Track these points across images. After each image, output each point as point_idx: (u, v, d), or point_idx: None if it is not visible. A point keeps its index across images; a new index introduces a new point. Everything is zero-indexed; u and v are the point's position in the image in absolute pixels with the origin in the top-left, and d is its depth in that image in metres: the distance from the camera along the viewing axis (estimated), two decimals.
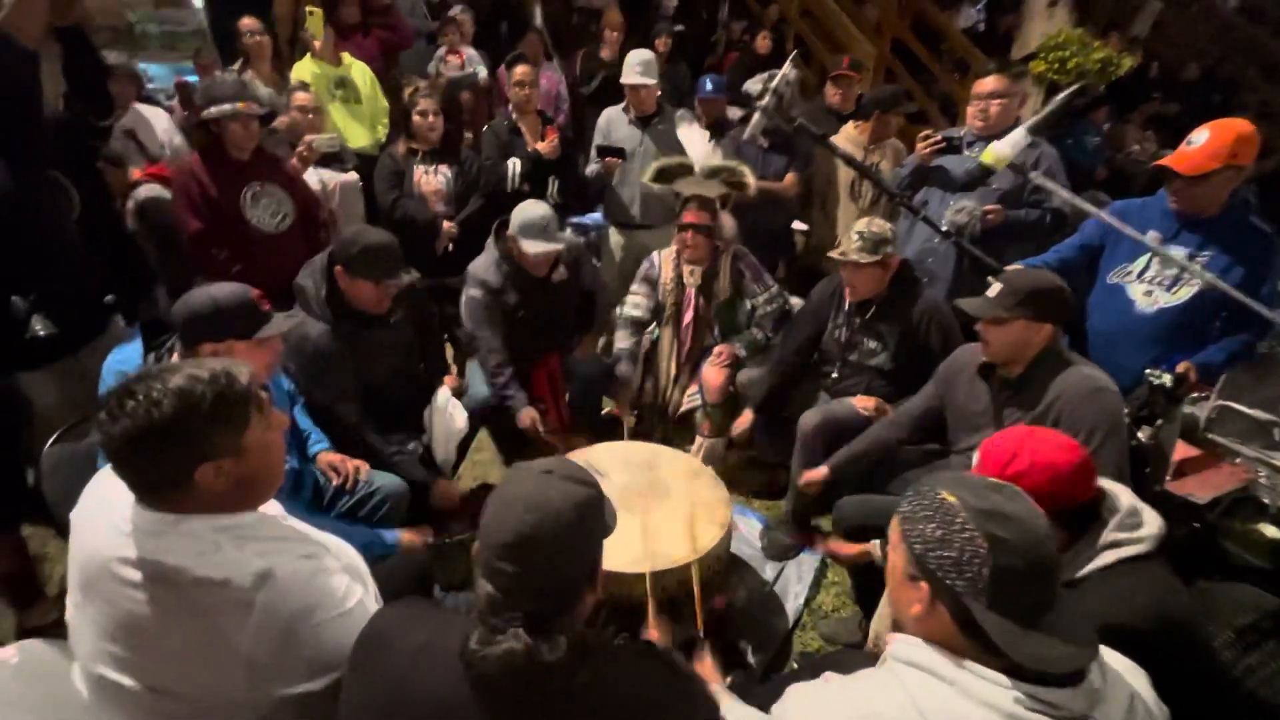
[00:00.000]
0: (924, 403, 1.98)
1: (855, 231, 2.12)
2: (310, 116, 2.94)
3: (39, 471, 1.59)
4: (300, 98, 2.96)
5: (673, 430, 2.74)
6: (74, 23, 1.82)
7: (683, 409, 2.66)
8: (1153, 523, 1.14)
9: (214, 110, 2.30)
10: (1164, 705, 0.89)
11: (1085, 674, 0.81)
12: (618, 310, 2.83)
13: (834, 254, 2.16)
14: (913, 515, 0.89)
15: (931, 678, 0.81)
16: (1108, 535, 1.12)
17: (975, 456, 1.22)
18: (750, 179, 2.52)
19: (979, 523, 0.82)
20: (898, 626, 0.94)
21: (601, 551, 0.95)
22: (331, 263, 1.94)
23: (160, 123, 2.67)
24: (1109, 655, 0.89)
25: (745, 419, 2.45)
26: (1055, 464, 1.12)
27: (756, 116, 2.22)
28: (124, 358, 1.54)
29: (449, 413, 2.21)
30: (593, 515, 0.91)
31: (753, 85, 3.40)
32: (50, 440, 1.61)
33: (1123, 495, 1.17)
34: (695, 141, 3.08)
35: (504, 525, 0.86)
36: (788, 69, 2.21)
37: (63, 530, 1.04)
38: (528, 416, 2.38)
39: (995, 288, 1.69)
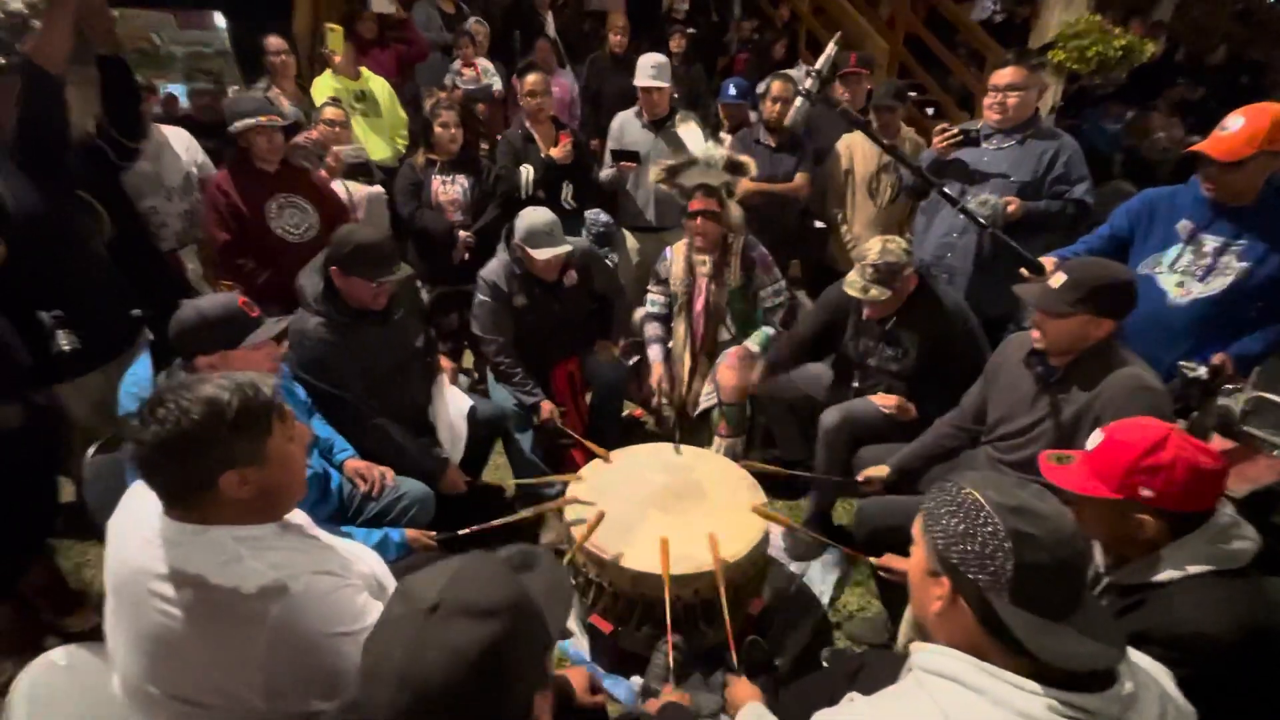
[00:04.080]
0: (976, 399, 1.92)
1: (869, 264, 2.04)
2: (338, 130, 3.01)
3: (79, 482, 1.64)
4: (329, 112, 3.04)
5: (691, 429, 2.74)
6: (113, 51, 1.88)
7: (700, 408, 2.67)
8: (1251, 538, 1.10)
9: (239, 125, 2.40)
10: (1190, 704, 0.87)
11: (1117, 677, 0.79)
12: (638, 312, 2.84)
13: (851, 291, 2.09)
14: (935, 510, 0.88)
15: (962, 688, 0.79)
16: (1202, 546, 1.08)
17: (1097, 437, 1.16)
18: (749, 162, 2.53)
19: (1004, 517, 0.81)
20: (921, 629, 0.92)
21: (538, 682, 0.75)
22: (327, 262, 1.98)
23: (180, 141, 2.74)
24: (1137, 656, 0.87)
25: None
26: (1199, 465, 1.06)
27: (799, 101, 2.20)
28: (137, 379, 1.59)
29: (449, 399, 2.23)
30: (504, 660, 0.69)
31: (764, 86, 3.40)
32: (92, 450, 1.66)
33: (1226, 507, 1.12)
34: (695, 140, 3.10)
35: (373, 702, 0.68)
36: (831, 50, 2.18)
37: (103, 538, 1.08)
38: (546, 408, 2.40)
39: (1058, 278, 1.59)
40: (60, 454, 1.91)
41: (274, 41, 3.52)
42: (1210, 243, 1.93)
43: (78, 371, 1.90)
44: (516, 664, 0.71)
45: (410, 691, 0.66)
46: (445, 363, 2.36)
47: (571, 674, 1.31)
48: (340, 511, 1.84)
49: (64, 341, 1.75)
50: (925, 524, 0.90)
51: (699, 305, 2.62)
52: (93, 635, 1.88)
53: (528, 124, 3.22)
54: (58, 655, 1.13)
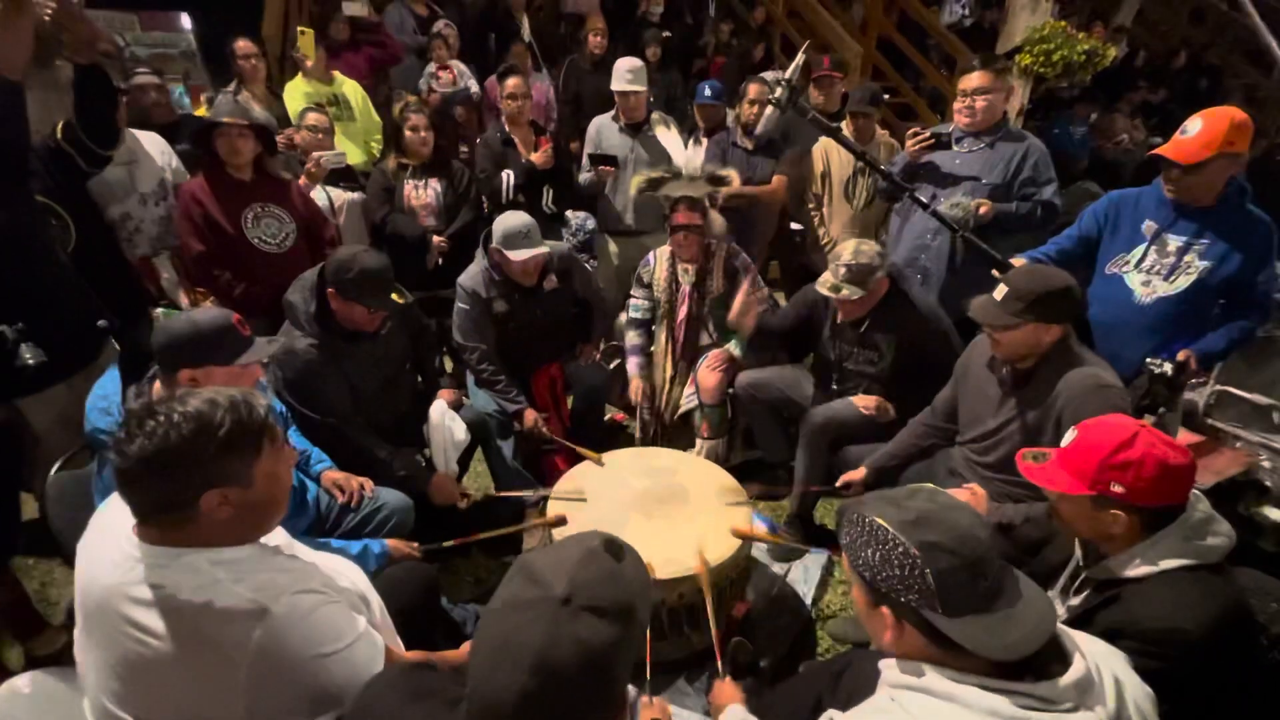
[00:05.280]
0: (947, 400, 1.96)
1: (842, 264, 2.07)
2: (321, 136, 2.97)
3: (43, 499, 1.58)
4: (312, 118, 2.99)
5: (672, 431, 2.74)
6: (91, 59, 1.83)
7: (680, 410, 2.67)
8: (1225, 533, 1.12)
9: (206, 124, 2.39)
10: (1148, 687, 0.90)
11: (1070, 662, 0.82)
12: (621, 317, 2.84)
13: (823, 289, 2.12)
14: (853, 545, 0.91)
15: (933, 699, 0.82)
16: (1176, 542, 1.10)
17: (1071, 434, 1.19)
18: (733, 175, 2.55)
19: (907, 534, 0.85)
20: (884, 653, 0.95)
21: (631, 670, 0.80)
22: (322, 282, 1.95)
23: (155, 145, 2.68)
24: (1089, 642, 0.90)
25: None
26: (1168, 461, 1.08)
27: (769, 110, 2.23)
28: (104, 393, 1.53)
29: (447, 425, 2.20)
30: (620, 657, 0.75)
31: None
32: (54, 467, 1.61)
33: (1201, 503, 1.15)
34: (675, 145, 3.12)
35: (499, 683, 0.71)
36: (800, 59, 2.21)
37: (68, 558, 1.04)
38: (530, 416, 2.39)
39: (1001, 291, 1.63)
40: (21, 470, 1.84)
41: (243, 45, 3.45)
42: (1174, 242, 1.99)
43: (41, 385, 1.83)
44: (626, 660, 0.77)
45: (542, 677, 0.70)
46: (448, 394, 2.32)
47: None
48: (318, 524, 1.80)
49: (28, 355, 1.68)
50: (850, 560, 0.92)
51: (682, 314, 2.63)
52: (59, 658, 1.84)
53: (507, 128, 3.21)
54: (23, 682, 1.09)
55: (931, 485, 0.93)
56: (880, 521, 0.87)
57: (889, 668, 0.89)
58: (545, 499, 2.02)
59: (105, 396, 1.52)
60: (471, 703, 0.74)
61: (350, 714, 0.90)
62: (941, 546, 0.83)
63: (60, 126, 2.00)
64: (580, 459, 2.17)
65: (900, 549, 0.84)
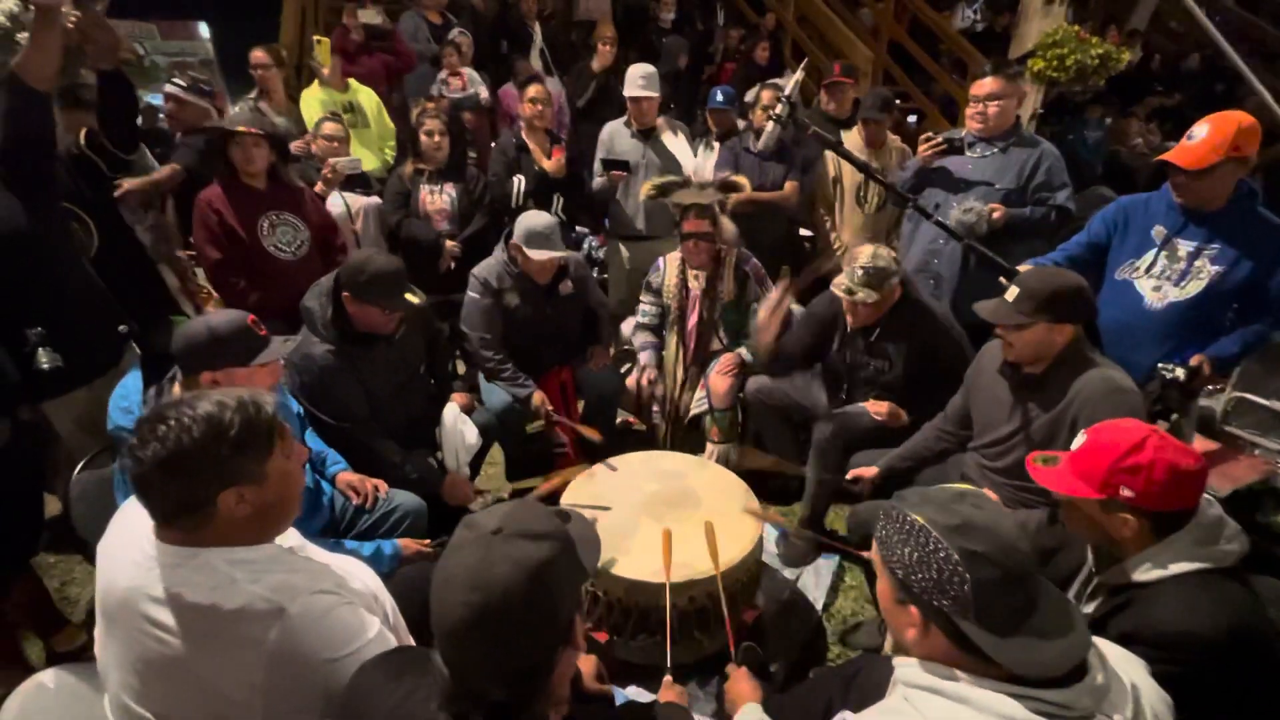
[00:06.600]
0: (959, 406, 1.95)
1: (859, 266, 2.05)
2: (337, 145, 3.02)
3: (66, 499, 1.62)
4: (329, 127, 3.05)
5: (683, 436, 2.75)
6: (114, 66, 1.88)
7: (691, 414, 2.68)
8: (1237, 539, 1.11)
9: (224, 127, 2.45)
10: (1165, 693, 0.89)
11: (1088, 670, 0.81)
12: (628, 322, 2.86)
13: (837, 290, 2.12)
14: (888, 540, 0.89)
15: (947, 700, 0.82)
16: (1188, 546, 1.09)
17: (1081, 438, 1.19)
18: (744, 182, 2.57)
19: (951, 539, 0.83)
20: (899, 648, 0.94)
21: (576, 605, 0.86)
22: (338, 287, 1.98)
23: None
24: (1106, 647, 0.90)
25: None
26: (1178, 466, 1.07)
27: (770, 126, 2.24)
28: (125, 393, 1.57)
29: (459, 429, 2.23)
30: (555, 575, 0.79)
31: (753, 95, 3.45)
32: (78, 467, 1.64)
33: (1212, 508, 1.14)
34: (684, 152, 3.14)
35: (447, 608, 0.77)
36: (800, 75, 2.23)
37: (90, 556, 1.06)
38: (539, 397, 2.42)
39: (1013, 291, 1.63)
40: (45, 470, 1.88)
41: (258, 55, 3.51)
42: (1184, 247, 1.97)
43: (63, 389, 1.87)
44: (563, 581, 0.81)
45: (480, 593, 0.75)
46: (460, 397, 2.34)
47: (580, 661, 1.30)
48: (332, 525, 1.83)
49: (44, 359, 1.73)
50: (882, 554, 0.91)
51: (692, 320, 2.64)
52: (79, 655, 1.87)
53: (523, 134, 3.25)
54: (47, 678, 1.11)
55: (977, 489, 0.92)
56: (922, 521, 0.85)
57: (905, 666, 0.88)
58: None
59: (126, 396, 1.56)
60: (436, 640, 0.80)
61: (340, 703, 0.91)
62: (985, 557, 0.81)
63: (84, 133, 2.05)
64: (583, 462, 2.19)
65: (942, 554, 0.83)
